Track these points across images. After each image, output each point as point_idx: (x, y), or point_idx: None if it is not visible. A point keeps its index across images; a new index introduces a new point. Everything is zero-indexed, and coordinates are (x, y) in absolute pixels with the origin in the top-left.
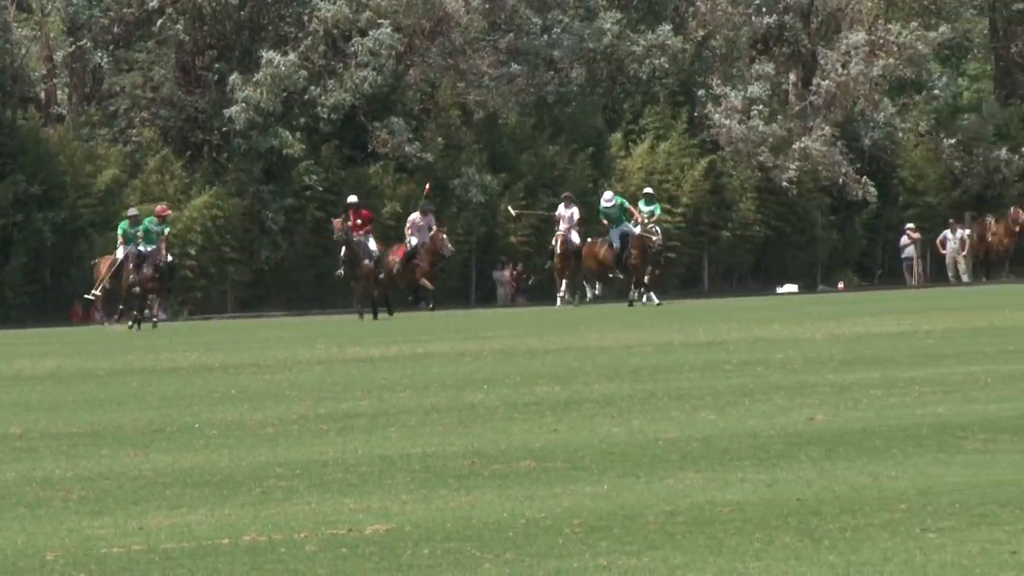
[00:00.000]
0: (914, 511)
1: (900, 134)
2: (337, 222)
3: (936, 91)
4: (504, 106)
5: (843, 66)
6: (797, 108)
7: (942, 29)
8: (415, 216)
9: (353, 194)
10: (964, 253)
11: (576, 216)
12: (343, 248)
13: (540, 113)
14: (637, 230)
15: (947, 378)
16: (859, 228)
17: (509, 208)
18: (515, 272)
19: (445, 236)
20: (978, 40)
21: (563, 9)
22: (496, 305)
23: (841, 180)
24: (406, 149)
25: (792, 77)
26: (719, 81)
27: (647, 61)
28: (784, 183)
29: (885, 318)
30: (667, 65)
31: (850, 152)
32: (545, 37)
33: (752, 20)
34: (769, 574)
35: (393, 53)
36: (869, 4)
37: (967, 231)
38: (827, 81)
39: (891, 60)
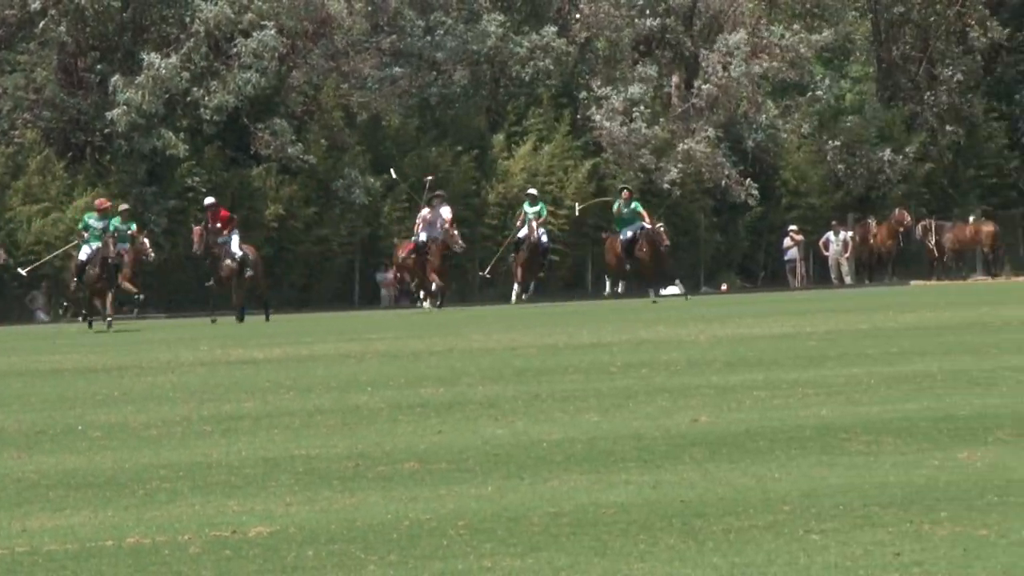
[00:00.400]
0: (798, 513)
1: (783, 136)
2: (197, 231)
3: (819, 93)
4: (387, 108)
5: (724, 68)
6: (680, 110)
7: (824, 32)
8: (424, 212)
9: (211, 196)
10: (847, 255)
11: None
12: (208, 258)
13: (423, 115)
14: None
15: (830, 380)
16: (742, 230)
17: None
18: (398, 274)
19: (455, 233)
20: (860, 42)
21: (446, 11)
22: (380, 307)
23: (724, 182)
24: (289, 151)
25: (675, 79)
26: (601, 83)
27: (530, 63)
28: (666, 185)
29: (768, 320)
30: (551, 67)
31: (733, 154)
32: (428, 39)
33: (635, 22)
34: (653, 575)
35: (276, 55)
36: (750, 6)
37: (850, 233)
38: (709, 83)
39: (773, 62)
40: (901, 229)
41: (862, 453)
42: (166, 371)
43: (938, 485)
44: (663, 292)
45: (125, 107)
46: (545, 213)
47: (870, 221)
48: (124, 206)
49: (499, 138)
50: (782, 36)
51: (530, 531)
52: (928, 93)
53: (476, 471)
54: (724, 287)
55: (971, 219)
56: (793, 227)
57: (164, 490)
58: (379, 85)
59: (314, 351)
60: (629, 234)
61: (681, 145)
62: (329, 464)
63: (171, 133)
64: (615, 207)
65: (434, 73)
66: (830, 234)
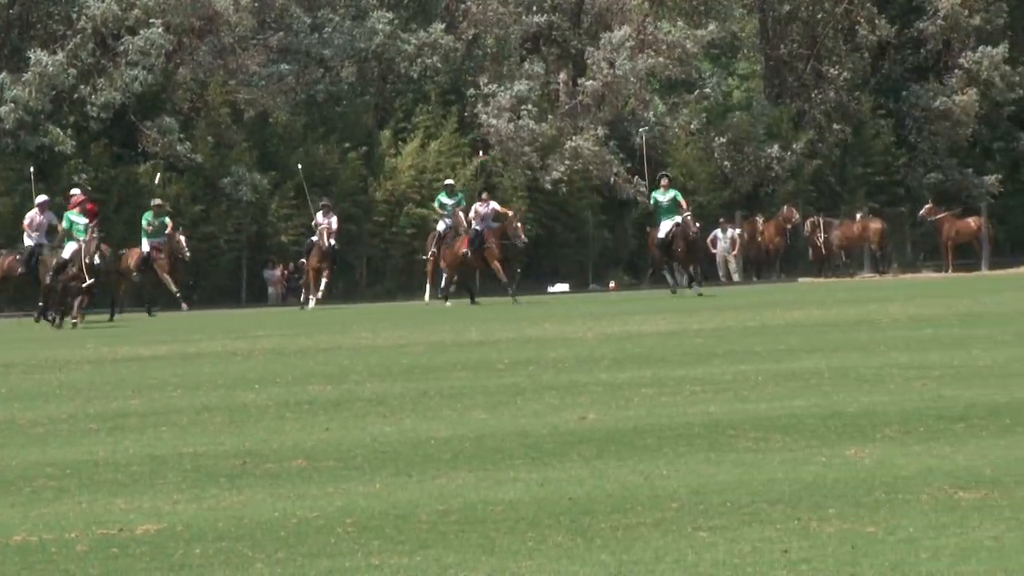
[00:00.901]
0: (686, 510)
1: (671, 133)
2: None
3: (707, 90)
4: (274, 105)
5: (611, 65)
6: (567, 107)
7: (711, 28)
8: (477, 205)
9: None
10: (735, 252)
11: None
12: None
13: (310, 112)
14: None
15: (718, 377)
16: (630, 227)
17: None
18: (285, 271)
19: (519, 225)
20: (748, 40)
21: (333, 8)
22: (267, 304)
23: (612, 179)
24: (176, 148)
25: (562, 76)
26: (489, 80)
27: (418, 60)
28: (550, 184)
29: (656, 317)
30: (438, 64)
31: (621, 151)
32: (315, 36)
33: (522, 19)
34: (541, 573)
35: (163, 52)
36: (636, 3)
37: (738, 230)
38: (595, 80)
39: (660, 59)
40: (789, 226)
41: (750, 450)
42: (53, 369)
43: (826, 482)
44: (551, 289)
45: (12, 104)
46: (465, 203)
47: (758, 218)
48: (157, 201)
49: (386, 135)
50: (668, 32)
51: (418, 529)
52: (816, 91)
53: (364, 468)
54: (612, 285)
55: (858, 216)
56: None
57: (51, 488)
58: (266, 82)
59: (201, 348)
60: (663, 233)
61: (568, 142)
62: (216, 462)
63: (58, 130)
64: (652, 199)
65: (321, 70)
66: (718, 231)
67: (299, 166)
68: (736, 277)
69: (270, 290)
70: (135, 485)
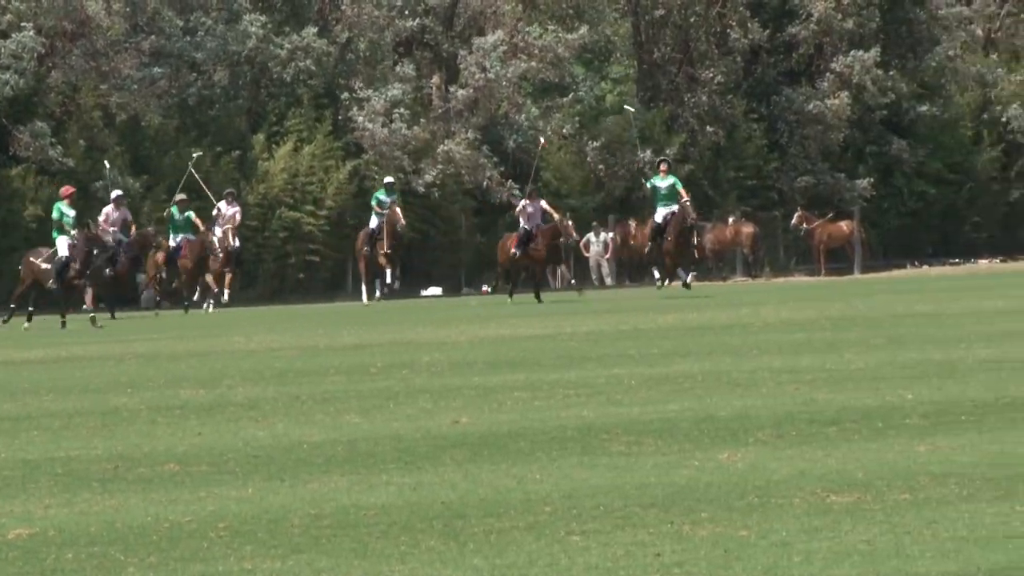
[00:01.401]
0: (559, 514)
1: (544, 137)
2: None
3: (580, 94)
4: (147, 108)
5: (483, 69)
6: (440, 111)
7: (583, 32)
8: (524, 202)
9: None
10: (608, 256)
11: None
12: None
13: (183, 115)
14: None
15: (591, 380)
16: (503, 231)
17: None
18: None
19: (570, 223)
20: (621, 44)
21: (206, 11)
22: (140, 308)
23: (485, 183)
24: (48, 152)
25: (435, 80)
26: (363, 84)
27: (291, 64)
28: (422, 187)
29: (530, 320)
30: (312, 68)
31: (494, 155)
32: (188, 39)
33: (395, 23)
34: None
35: (35, 56)
36: (508, 7)
37: (611, 234)
38: (468, 85)
39: (532, 63)
40: None
41: (623, 454)
42: None
43: (699, 486)
44: (424, 293)
45: None
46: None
47: (631, 222)
48: (181, 196)
49: (259, 139)
50: (541, 36)
51: (291, 533)
52: (688, 94)
53: (237, 473)
54: (486, 288)
55: (731, 220)
56: None
57: None
58: (139, 86)
59: (73, 352)
60: (659, 219)
61: (441, 146)
62: (88, 466)
63: None
64: (650, 184)
65: (194, 74)
66: (591, 235)
67: (193, 157)
68: (609, 281)
69: (143, 294)
70: (7, 490)
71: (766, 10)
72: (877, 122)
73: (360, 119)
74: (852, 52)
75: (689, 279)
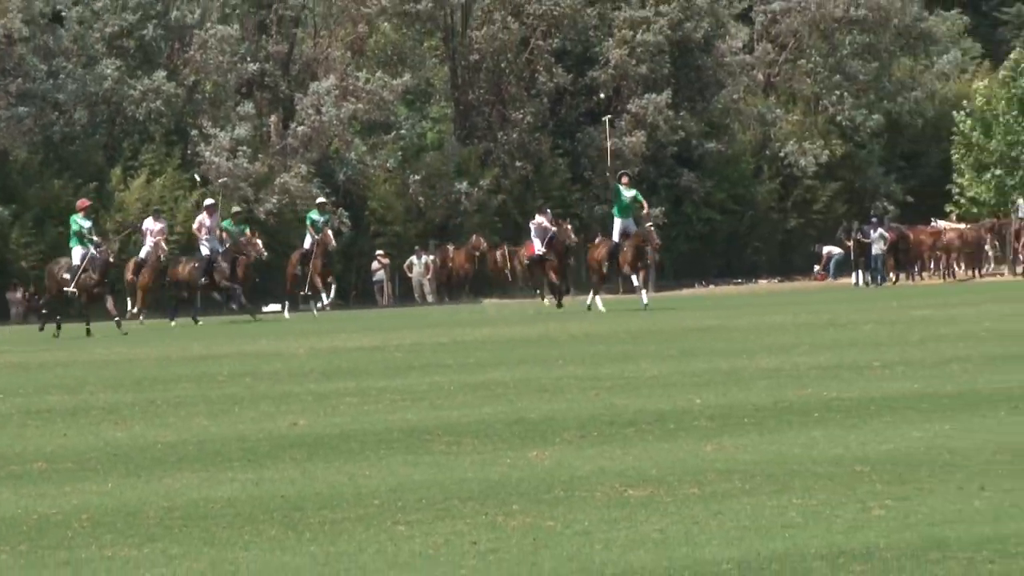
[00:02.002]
0: (386, 506)
1: (371, 171)
2: None
3: (402, 132)
4: (14, 144)
5: (317, 110)
6: (278, 147)
7: (406, 77)
8: (539, 218)
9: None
10: (429, 276)
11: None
12: None
13: (47, 150)
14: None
15: (415, 387)
16: (335, 254)
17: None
18: (27, 293)
19: (569, 227)
20: (440, 86)
21: (67, 56)
22: (10, 323)
23: None
24: None
25: (273, 119)
26: (209, 122)
27: (144, 104)
28: (263, 215)
29: (359, 335)
30: (162, 108)
31: (326, 186)
32: (51, 82)
33: (238, 67)
34: (256, 563)
35: None
36: (339, 54)
37: (431, 257)
38: (304, 124)
39: (361, 105)
40: (477, 254)
41: (444, 453)
42: None
43: (511, 481)
44: (266, 309)
45: None
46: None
47: (449, 247)
48: (236, 208)
49: (116, 172)
50: (368, 81)
51: (146, 523)
52: (500, 132)
53: (98, 470)
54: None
55: None
56: (380, 251)
57: None
58: (6, 124)
59: None
60: (616, 236)
61: (279, 179)
62: None
63: None
64: (616, 190)
65: (56, 113)
66: (413, 258)
67: (197, 179)
68: (430, 299)
69: (12, 310)
70: None
71: (569, 57)
72: (669, 157)
73: (207, 153)
74: (646, 95)
75: (646, 300)
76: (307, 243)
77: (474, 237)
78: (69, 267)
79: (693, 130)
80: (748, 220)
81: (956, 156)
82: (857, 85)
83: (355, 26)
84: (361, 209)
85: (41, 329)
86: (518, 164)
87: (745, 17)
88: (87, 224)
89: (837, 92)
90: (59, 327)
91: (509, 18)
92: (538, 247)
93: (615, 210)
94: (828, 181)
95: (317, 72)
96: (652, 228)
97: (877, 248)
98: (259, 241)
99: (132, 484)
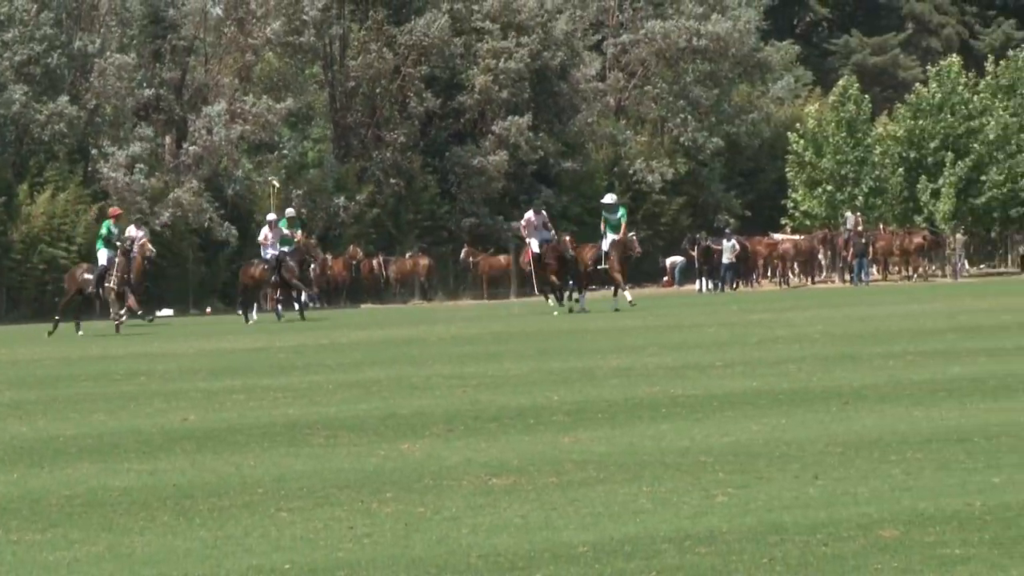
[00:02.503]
0: (270, 494)
1: (257, 187)
2: None
3: (286, 151)
4: None
5: (208, 132)
6: (172, 165)
7: (289, 101)
8: (529, 215)
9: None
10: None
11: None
12: None
13: None
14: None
15: (297, 385)
16: (222, 263)
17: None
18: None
19: (568, 238)
20: (320, 109)
21: None
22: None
23: (207, 224)
24: None
25: (168, 140)
26: (108, 142)
27: (48, 126)
28: (158, 227)
29: (245, 336)
30: (65, 129)
31: (216, 201)
32: None
33: (135, 92)
34: (151, 547)
35: None
36: (228, 80)
37: (312, 266)
38: (196, 144)
39: (248, 126)
40: (354, 263)
41: (322, 445)
42: None
43: (384, 471)
44: (159, 313)
45: None
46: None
47: (328, 256)
48: (291, 212)
49: (23, 187)
50: (255, 105)
51: (49, 511)
52: (375, 151)
53: (4, 461)
54: (208, 310)
55: (408, 255)
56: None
57: None
58: None
59: None
60: (605, 248)
61: (172, 194)
62: None
63: None
64: (604, 215)
65: None
66: None
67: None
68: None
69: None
70: None
71: (438, 83)
72: (529, 174)
73: (106, 170)
74: (509, 117)
75: (630, 298)
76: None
77: (351, 247)
78: (91, 269)
79: (551, 150)
80: (601, 233)
81: (790, 173)
82: (700, 109)
83: (243, 55)
84: (247, 222)
85: (51, 333)
86: (392, 180)
87: (598, 48)
88: (116, 230)
89: (681, 115)
90: (78, 327)
91: (383, 48)
92: (535, 247)
93: (606, 229)
94: (674, 196)
95: (208, 96)
96: (634, 237)
97: (727, 257)
98: (313, 240)
99: (36, 474)
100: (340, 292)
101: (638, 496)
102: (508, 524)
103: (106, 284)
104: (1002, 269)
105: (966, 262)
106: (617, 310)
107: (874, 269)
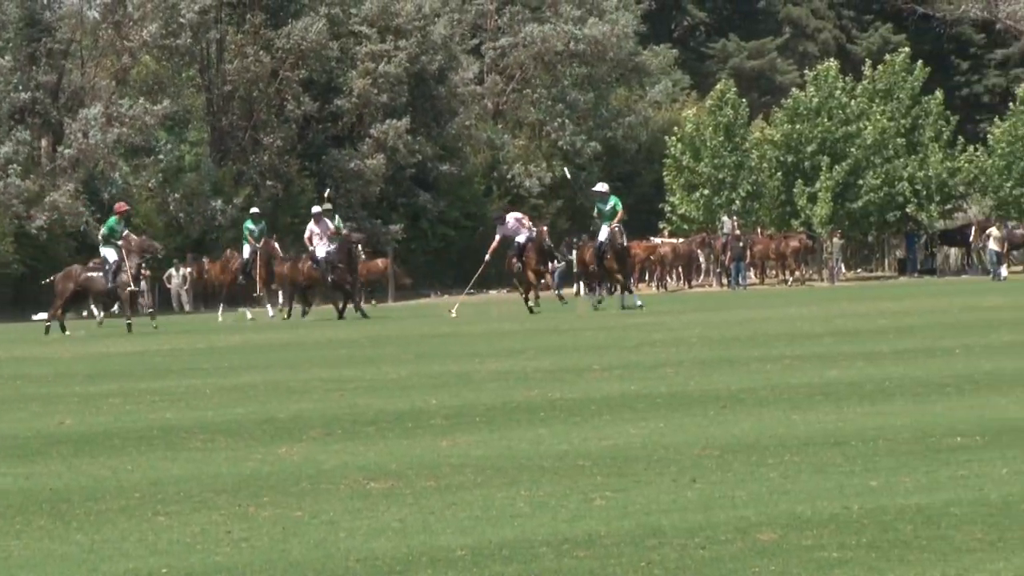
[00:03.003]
0: (147, 498)
1: (134, 190)
2: None
3: (162, 155)
4: None
5: (85, 135)
6: (48, 168)
7: (166, 103)
8: (510, 219)
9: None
10: (187, 287)
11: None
12: None
13: None
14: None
15: (173, 389)
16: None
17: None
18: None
19: (545, 228)
20: (197, 113)
21: None
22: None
23: (83, 227)
24: None
25: (43, 143)
26: None
27: None
28: (34, 230)
29: (122, 340)
30: None
31: (92, 204)
32: None
33: (11, 95)
34: (27, 551)
35: None
36: (104, 83)
37: (189, 269)
38: (72, 147)
39: (125, 130)
40: (231, 266)
41: (200, 449)
42: None
43: (262, 475)
44: (35, 317)
45: None
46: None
47: (204, 259)
48: (328, 205)
49: None
50: (131, 108)
51: None
52: (253, 155)
53: None
54: (85, 314)
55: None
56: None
57: None
58: None
59: None
60: (602, 239)
61: (49, 197)
62: None
63: None
64: (596, 208)
65: None
66: (172, 270)
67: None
68: (188, 308)
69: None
70: None
71: (316, 86)
72: (407, 178)
73: None
74: (387, 121)
75: (639, 302)
76: (246, 252)
77: (228, 251)
78: (94, 268)
79: (429, 153)
80: (479, 235)
81: (668, 177)
82: (578, 113)
83: (119, 58)
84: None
85: (47, 332)
86: (269, 184)
87: (476, 52)
88: (120, 228)
89: (559, 119)
90: (63, 328)
91: (260, 51)
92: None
93: (601, 220)
94: (552, 200)
95: (85, 99)
96: (617, 228)
97: None
98: (359, 236)
99: None
100: (217, 296)
101: (516, 500)
102: (386, 528)
103: (119, 280)
104: (879, 273)
105: (843, 266)
106: (625, 307)
107: (752, 273)
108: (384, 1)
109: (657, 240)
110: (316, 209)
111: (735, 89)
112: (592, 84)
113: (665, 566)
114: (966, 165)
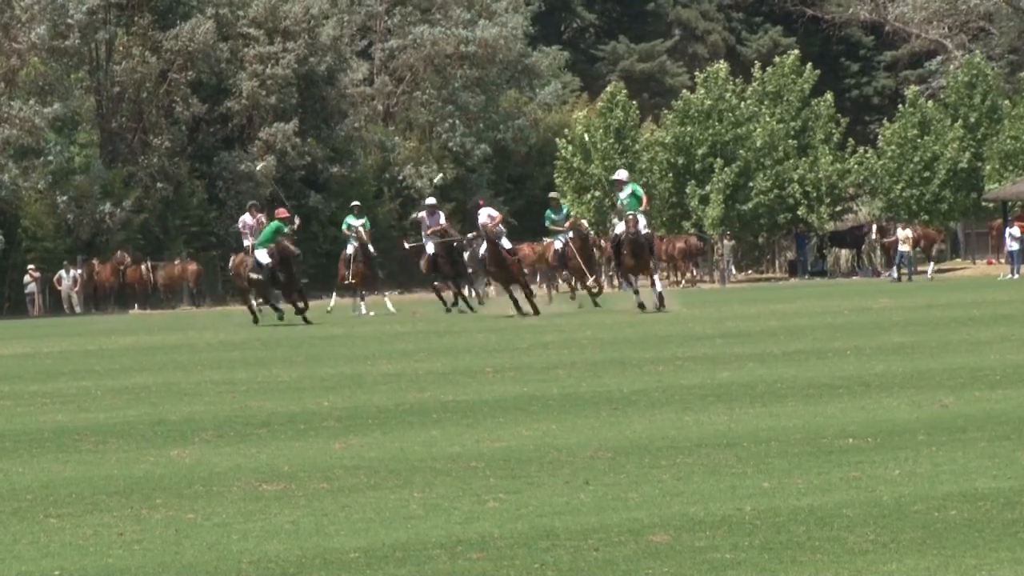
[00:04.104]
0: (38, 501)
1: (23, 191)
2: None
3: (51, 157)
4: None
5: None
6: None
7: (56, 106)
8: (482, 215)
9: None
10: (77, 289)
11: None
12: None
13: None
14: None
15: (64, 391)
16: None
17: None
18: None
19: (500, 216)
20: (87, 114)
21: None
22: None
23: None
24: None
25: None
26: None
27: None
28: None
29: (12, 343)
30: None
31: None
32: None
33: None
34: None
35: None
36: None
37: (79, 271)
38: None
39: (14, 131)
40: (121, 268)
41: (91, 451)
42: None
43: (154, 477)
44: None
45: None
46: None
47: (95, 261)
48: (356, 203)
49: None
50: (21, 109)
51: None
52: (142, 157)
53: None
54: None
55: (177, 260)
56: (32, 266)
57: None
58: None
59: None
60: (616, 231)
61: None
62: None
63: None
64: (618, 200)
65: None
66: (63, 272)
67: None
68: (79, 309)
69: None
70: None
71: (205, 88)
72: (297, 180)
73: None
74: (276, 123)
75: (664, 301)
76: (350, 249)
77: (119, 253)
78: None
79: (319, 155)
80: (371, 238)
81: (559, 179)
82: (468, 115)
83: (8, 59)
84: (14, 227)
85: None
86: (159, 186)
87: (366, 53)
88: (288, 229)
89: (450, 121)
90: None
91: (147, 53)
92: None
93: (625, 211)
94: (443, 202)
95: None
96: (632, 217)
97: None
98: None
99: None
100: (108, 297)
101: (409, 502)
102: (279, 530)
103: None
104: (769, 275)
105: (734, 267)
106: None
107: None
108: (272, 3)
109: (548, 241)
110: (431, 201)
111: (625, 91)
112: (482, 86)
113: (558, 568)
114: (856, 167)
